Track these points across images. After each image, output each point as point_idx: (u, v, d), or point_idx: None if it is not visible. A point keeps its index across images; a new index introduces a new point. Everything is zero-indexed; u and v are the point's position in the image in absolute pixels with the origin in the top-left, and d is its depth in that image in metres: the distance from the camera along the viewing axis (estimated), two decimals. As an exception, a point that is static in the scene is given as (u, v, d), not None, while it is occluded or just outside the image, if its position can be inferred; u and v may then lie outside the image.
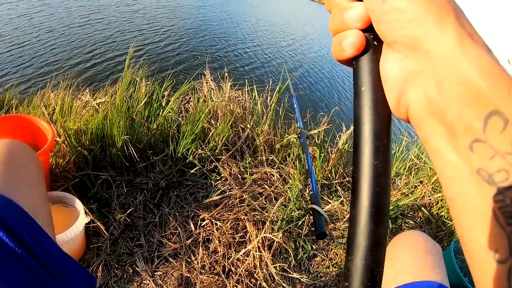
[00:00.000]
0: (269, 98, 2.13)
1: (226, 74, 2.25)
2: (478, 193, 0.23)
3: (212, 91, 2.17)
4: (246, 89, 2.20)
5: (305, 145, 1.59)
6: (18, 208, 0.52)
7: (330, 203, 1.90)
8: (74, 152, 1.57)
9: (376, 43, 0.31)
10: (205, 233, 1.58)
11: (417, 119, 0.28)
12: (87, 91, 2.11)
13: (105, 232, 1.42)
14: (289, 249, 1.57)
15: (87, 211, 1.42)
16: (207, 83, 2.16)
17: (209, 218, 1.61)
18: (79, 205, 1.33)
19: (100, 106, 1.78)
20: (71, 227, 1.21)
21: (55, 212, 1.36)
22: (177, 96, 1.88)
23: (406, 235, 0.86)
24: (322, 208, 1.70)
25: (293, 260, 1.56)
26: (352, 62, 0.32)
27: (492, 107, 0.23)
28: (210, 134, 1.82)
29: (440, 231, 1.97)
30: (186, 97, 2.27)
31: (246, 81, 2.21)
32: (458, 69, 0.25)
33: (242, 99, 2.19)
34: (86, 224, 1.31)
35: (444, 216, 2.01)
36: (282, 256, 1.56)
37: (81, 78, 3.38)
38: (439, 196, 2.06)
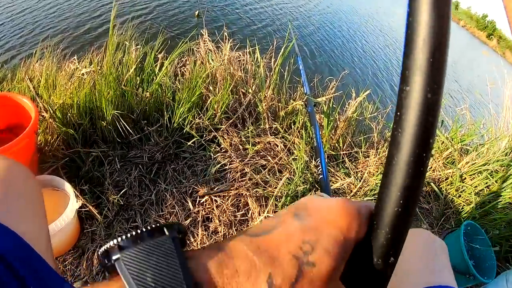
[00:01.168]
0: (273, 60, 1.93)
1: (226, 34, 2.03)
2: None
3: (210, 52, 1.96)
4: (248, 50, 1.99)
5: (313, 116, 1.45)
6: (15, 237, 0.49)
7: (337, 175, 1.78)
8: (62, 128, 1.42)
9: None
10: (204, 212, 1.49)
11: None
12: (74, 58, 1.91)
13: (98, 216, 1.32)
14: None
15: (78, 194, 1.32)
16: (204, 43, 1.95)
17: (208, 194, 1.51)
18: (69, 188, 1.22)
19: (86, 75, 1.60)
20: (61, 215, 1.11)
21: (45, 196, 1.26)
22: (171, 59, 1.70)
23: (411, 234, 0.74)
24: (331, 186, 1.58)
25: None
26: None
27: None
28: (209, 101, 1.66)
29: (448, 208, 1.88)
30: (182, 59, 2.07)
31: (248, 41, 1.99)
32: None
33: (243, 61, 1.99)
34: (78, 208, 1.21)
35: (453, 193, 1.90)
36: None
37: (67, 45, 3.12)
38: (449, 172, 1.94)
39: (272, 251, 0.27)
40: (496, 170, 1.85)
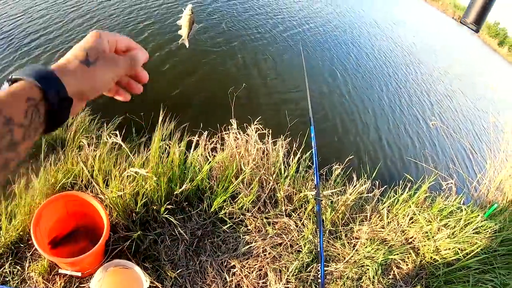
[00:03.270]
0: (291, 157, 2.40)
1: (251, 120, 2.50)
2: None
3: (236, 140, 2.43)
4: (270, 140, 2.46)
5: (319, 219, 1.93)
6: None
7: (334, 246, 2.28)
8: (121, 217, 1.94)
9: None
10: (236, 280, 2.01)
11: None
12: (115, 132, 2.27)
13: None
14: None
15: (145, 274, 1.83)
16: (233, 133, 2.43)
17: (239, 266, 2.03)
18: (138, 270, 1.73)
19: (140, 176, 2.05)
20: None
21: (118, 273, 1.77)
22: (207, 167, 2.16)
23: None
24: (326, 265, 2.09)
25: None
26: None
27: None
28: (239, 196, 2.15)
29: (422, 269, 2.39)
30: (212, 139, 2.54)
31: (268, 132, 2.47)
32: None
33: (264, 149, 2.47)
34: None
35: (427, 259, 2.39)
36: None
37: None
38: (427, 243, 2.43)
39: (74, 52, 0.51)
40: (462, 248, 2.34)
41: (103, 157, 2.28)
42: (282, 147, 2.41)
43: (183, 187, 2.03)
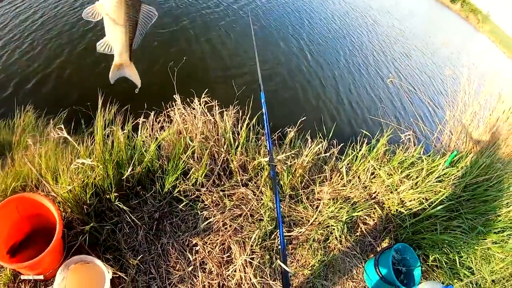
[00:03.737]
0: (240, 125, 2.32)
1: (194, 93, 2.38)
2: None
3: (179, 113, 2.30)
4: (215, 111, 2.36)
5: (275, 184, 1.88)
6: None
7: (297, 210, 2.26)
8: (76, 211, 1.81)
9: None
10: (200, 258, 1.96)
11: None
12: (60, 126, 2.15)
13: (126, 277, 1.75)
14: (265, 261, 1.98)
15: (107, 265, 1.73)
16: (178, 109, 2.31)
17: (201, 244, 1.97)
18: (99, 263, 1.65)
19: (86, 166, 1.93)
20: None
21: (80, 269, 1.68)
22: (154, 146, 2.05)
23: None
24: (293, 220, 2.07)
25: (269, 269, 1.98)
26: None
27: None
28: (191, 172, 2.06)
29: (389, 223, 2.43)
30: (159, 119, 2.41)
31: (215, 102, 2.36)
32: None
33: (214, 121, 2.37)
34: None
35: (393, 212, 2.43)
36: (260, 268, 1.96)
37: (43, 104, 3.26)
38: (391, 196, 2.47)
39: None
40: (426, 198, 2.39)
41: (49, 153, 2.12)
42: (230, 116, 2.32)
43: (132, 170, 1.92)
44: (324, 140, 2.54)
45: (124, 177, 1.97)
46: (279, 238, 1.62)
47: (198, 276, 1.91)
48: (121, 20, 0.58)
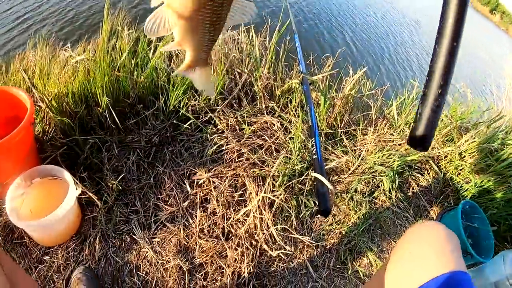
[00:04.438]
0: (267, 38, 1.88)
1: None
2: None
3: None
4: (242, 29, 1.94)
5: (308, 95, 1.42)
6: None
7: (335, 153, 1.77)
8: (58, 117, 1.41)
9: None
10: (203, 193, 1.50)
11: None
12: (67, 46, 1.86)
13: (99, 202, 1.32)
14: (291, 207, 1.48)
15: (77, 181, 1.32)
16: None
17: (206, 176, 1.50)
18: (68, 176, 1.23)
19: (79, 63, 1.56)
20: (61, 204, 1.11)
21: (46, 186, 1.27)
22: (165, 41, 1.65)
23: (426, 227, 0.80)
24: (327, 165, 1.57)
25: (295, 219, 1.49)
26: None
27: None
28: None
29: (447, 186, 1.87)
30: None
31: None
32: None
33: (238, 40, 1.94)
34: (78, 196, 1.21)
35: (452, 171, 1.89)
36: (283, 215, 1.49)
37: (61, 33, 3.04)
38: (448, 150, 1.92)
39: None
40: (495, 149, 1.82)
41: (46, 58, 1.76)
42: (257, 37, 1.88)
43: (132, 78, 1.50)
44: (367, 80, 2.05)
45: (121, 87, 1.56)
46: (315, 149, 1.15)
47: (196, 216, 1.44)
48: (205, 25, 0.39)
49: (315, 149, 1.17)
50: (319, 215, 1.57)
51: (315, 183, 1.15)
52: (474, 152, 1.92)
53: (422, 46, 7.16)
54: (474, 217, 1.69)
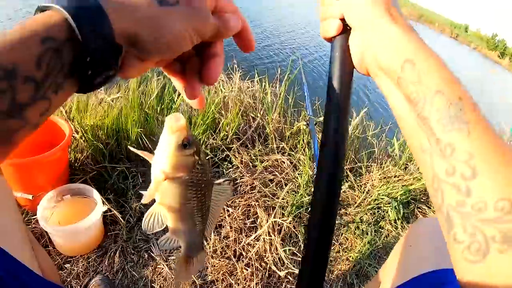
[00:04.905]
0: (278, 86, 2.12)
1: (235, 65, 2.26)
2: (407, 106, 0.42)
3: (222, 82, 2.18)
4: (256, 79, 2.21)
5: (313, 132, 1.60)
6: None
7: (341, 189, 1.89)
8: (91, 146, 1.64)
9: (348, 28, 0.51)
10: (218, 220, 1.62)
11: (372, 73, 0.49)
12: (101, 89, 2.16)
13: (122, 220, 1.48)
14: (299, 234, 1.60)
15: (104, 201, 1.49)
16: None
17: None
18: (96, 195, 1.41)
19: (114, 102, 1.82)
20: (88, 216, 1.28)
21: (75, 203, 1.44)
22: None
23: (427, 222, 0.84)
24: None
25: (303, 244, 1.58)
26: (332, 39, 0.54)
27: (405, 57, 0.41)
28: (221, 124, 1.84)
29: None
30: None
31: (256, 70, 2.22)
32: (387, 34, 0.44)
33: (252, 89, 2.20)
34: (103, 213, 1.40)
35: None
36: (292, 240, 1.59)
37: None
38: None
39: None
40: None
41: (83, 96, 2.04)
42: (269, 86, 2.13)
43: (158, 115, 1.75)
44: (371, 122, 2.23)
45: (148, 125, 1.80)
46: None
47: (210, 239, 1.57)
48: (186, 214, 0.47)
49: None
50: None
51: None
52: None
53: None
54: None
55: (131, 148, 0.52)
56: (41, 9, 0.29)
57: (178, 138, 0.40)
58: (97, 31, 0.28)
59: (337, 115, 0.53)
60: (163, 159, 0.42)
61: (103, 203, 1.48)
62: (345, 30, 0.51)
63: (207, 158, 1.82)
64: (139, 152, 0.47)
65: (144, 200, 0.44)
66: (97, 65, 0.29)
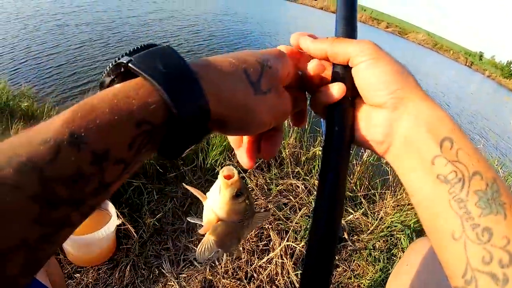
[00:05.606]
0: None
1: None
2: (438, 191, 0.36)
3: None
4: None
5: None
6: None
7: (355, 215, 1.89)
8: None
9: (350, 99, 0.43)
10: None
11: (394, 154, 0.41)
12: None
13: (135, 234, 1.51)
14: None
15: (119, 214, 1.53)
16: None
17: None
18: (112, 208, 1.44)
19: None
20: (102, 228, 1.31)
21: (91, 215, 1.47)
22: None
23: (423, 242, 0.85)
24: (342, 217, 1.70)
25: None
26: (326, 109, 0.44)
27: (444, 135, 0.37)
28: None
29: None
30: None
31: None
32: (423, 115, 0.38)
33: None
34: (117, 226, 1.43)
35: None
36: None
37: None
38: None
39: (242, 58, 0.35)
40: None
41: None
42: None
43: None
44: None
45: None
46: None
47: (222, 259, 1.57)
48: (232, 238, 0.52)
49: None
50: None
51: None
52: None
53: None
54: None
55: (186, 186, 0.55)
56: (119, 73, 0.29)
57: (232, 191, 0.44)
58: (195, 115, 0.28)
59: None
60: (217, 204, 0.45)
61: (118, 217, 1.52)
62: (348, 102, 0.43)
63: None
64: (193, 190, 0.50)
65: (201, 232, 0.47)
66: (185, 145, 0.30)
